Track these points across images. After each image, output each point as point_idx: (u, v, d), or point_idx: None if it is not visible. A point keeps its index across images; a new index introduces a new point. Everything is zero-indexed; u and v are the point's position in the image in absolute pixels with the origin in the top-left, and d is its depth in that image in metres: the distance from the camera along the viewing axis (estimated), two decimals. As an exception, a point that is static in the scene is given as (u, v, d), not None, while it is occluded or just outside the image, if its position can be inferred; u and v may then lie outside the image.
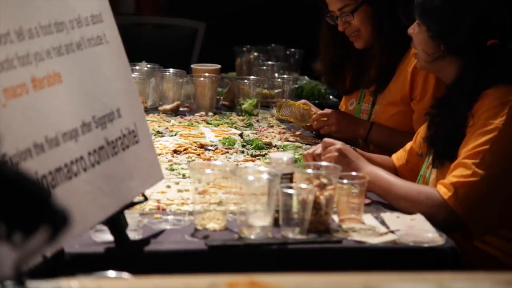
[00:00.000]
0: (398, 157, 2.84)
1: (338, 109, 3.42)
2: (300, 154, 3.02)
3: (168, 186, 2.58)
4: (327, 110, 3.29)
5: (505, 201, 2.44)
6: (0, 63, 1.73)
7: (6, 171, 1.24)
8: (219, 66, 3.87)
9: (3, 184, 1.23)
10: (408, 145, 2.82)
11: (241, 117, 3.63)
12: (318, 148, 2.62)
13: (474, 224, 2.40)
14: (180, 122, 3.52)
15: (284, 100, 3.46)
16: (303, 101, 3.44)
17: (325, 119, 3.25)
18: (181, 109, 3.74)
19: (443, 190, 2.39)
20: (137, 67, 3.92)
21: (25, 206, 1.26)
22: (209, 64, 3.89)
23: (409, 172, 2.78)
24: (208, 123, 3.52)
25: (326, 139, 2.61)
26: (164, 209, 2.38)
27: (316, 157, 2.59)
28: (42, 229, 1.25)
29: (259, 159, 2.99)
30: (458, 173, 2.40)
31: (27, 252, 1.27)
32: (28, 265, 1.38)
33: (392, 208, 2.44)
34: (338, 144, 2.56)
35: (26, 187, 1.26)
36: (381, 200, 2.50)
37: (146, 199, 2.21)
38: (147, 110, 3.66)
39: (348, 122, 3.25)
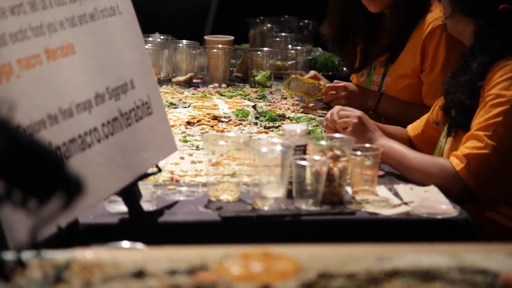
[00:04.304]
0: (414, 127, 2.84)
1: (348, 80, 3.40)
2: (314, 126, 3.02)
3: (182, 158, 2.59)
4: (336, 83, 3.27)
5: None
6: (13, 33, 1.73)
7: (20, 139, 1.25)
8: (232, 37, 3.86)
9: (17, 152, 1.24)
10: (425, 116, 2.81)
11: (254, 89, 3.63)
12: (333, 112, 2.63)
13: (486, 195, 2.40)
14: (194, 94, 3.52)
15: (293, 76, 3.44)
16: (312, 72, 3.43)
17: (334, 92, 3.24)
18: (194, 80, 3.74)
19: (455, 162, 2.39)
20: (150, 39, 3.91)
21: (40, 173, 1.26)
22: (223, 36, 3.88)
23: (424, 142, 2.78)
24: (221, 95, 3.52)
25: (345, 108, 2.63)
26: (177, 181, 2.39)
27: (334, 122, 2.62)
28: (56, 196, 1.26)
29: (272, 130, 2.99)
30: (470, 144, 2.39)
31: (42, 220, 1.27)
32: (43, 234, 1.39)
33: (405, 179, 2.44)
34: (359, 112, 2.57)
35: (40, 154, 1.27)
36: (395, 172, 2.49)
37: (159, 170, 2.21)
38: (161, 82, 3.66)
39: (357, 94, 3.23)
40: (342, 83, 3.26)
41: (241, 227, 2.14)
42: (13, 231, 1.55)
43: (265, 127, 3.03)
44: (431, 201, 2.27)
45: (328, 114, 2.65)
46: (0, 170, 1.23)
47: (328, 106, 3.34)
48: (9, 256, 1.34)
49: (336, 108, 2.63)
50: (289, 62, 3.84)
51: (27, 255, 1.35)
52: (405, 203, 2.26)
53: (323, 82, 3.36)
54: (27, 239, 1.32)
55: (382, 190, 2.34)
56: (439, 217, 2.19)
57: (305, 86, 3.36)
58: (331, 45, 3.43)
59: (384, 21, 3.23)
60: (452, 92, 2.55)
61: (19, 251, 1.33)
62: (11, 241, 1.54)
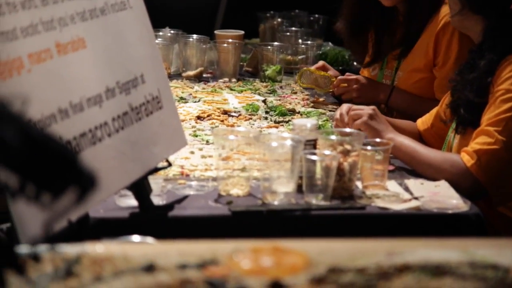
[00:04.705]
0: (423, 121, 2.84)
1: (359, 74, 3.40)
2: (324, 120, 3.02)
3: (192, 152, 2.59)
4: (348, 75, 3.28)
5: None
6: (24, 28, 1.74)
7: (33, 133, 1.25)
8: (242, 32, 3.86)
9: (31, 146, 1.24)
10: (434, 110, 2.81)
11: (264, 84, 3.62)
12: (342, 112, 2.62)
13: (496, 191, 2.40)
14: (204, 88, 3.52)
15: (305, 68, 3.45)
16: (321, 62, 3.43)
17: (345, 85, 3.24)
18: (204, 75, 3.74)
19: (466, 158, 2.39)
20: (160, 33, 3.92)
21: (53, 168, 1.27)
22: (233, 30, 3.88)
23: (433, 136, 2.78)
24: (231, 89, 3.52)
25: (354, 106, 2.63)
26: (187, 175, 2.39)
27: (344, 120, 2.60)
28: (69, 190, 1.26)
29: (282, 125, 2.99)
30: (480, 140, 2.39)
31: (55, 214, 1.28)
32: (56, 228, 1.39)
33: (416, 174, 2.44)
34: (372, 106, 2.57)
35: (53, 148, 1.27)
36: (405, 166, 2.49)
37: (170, 164, 2.22)
38: (171, 76, 3.66)
39: (369, 87, 3.24)
40: (354, 76, 3.26)
41: (251, 221, 2.14)
42: (26, 225, 1.55)
43: (275, 122, 3.03)
44: (442, 196, 2.27)
45: (337, 114, 2.63)
46: (14, 165, 1.24)
47: (338, 100, 3.34)
48: (23, 249, 1.35)
49: (345, 107, 2.62)
50: (299, 57, 3.84)
51: (41, 248, 1.35)
52: (416, 198, 2.26)
53: (332, 72, 3.37)
54: (40, 233, 1.32)
55: (392, 185, 2.34)
56: (450, 212, 2.19)
57: (316, 79, 3.36)
58: (346, 39, 3.41)
59: (397, 15, 3.22)
60: (459, 89, 2.54)
61: (34, 245, 1.34)
62: (23, 235, 1.55)
